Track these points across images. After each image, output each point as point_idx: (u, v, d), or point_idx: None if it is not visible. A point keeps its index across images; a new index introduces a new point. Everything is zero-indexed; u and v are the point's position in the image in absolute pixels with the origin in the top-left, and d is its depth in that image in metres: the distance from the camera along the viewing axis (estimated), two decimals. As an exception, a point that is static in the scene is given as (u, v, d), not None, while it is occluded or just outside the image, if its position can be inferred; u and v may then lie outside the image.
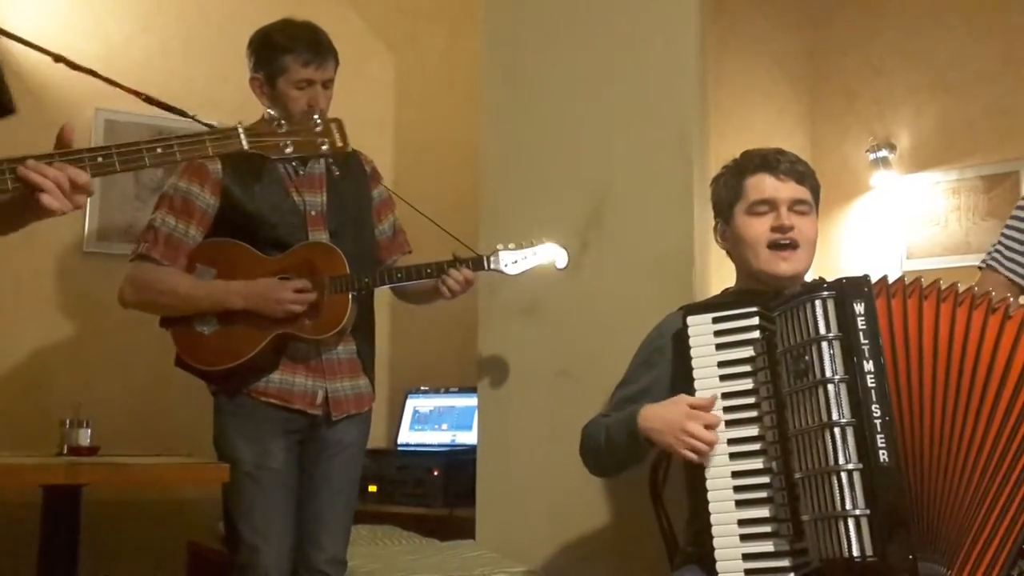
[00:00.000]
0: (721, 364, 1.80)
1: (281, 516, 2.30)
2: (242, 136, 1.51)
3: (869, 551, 1.59)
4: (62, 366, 3.24)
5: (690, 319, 1.84)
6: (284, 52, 2.30)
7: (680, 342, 1.85)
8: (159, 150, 1.45)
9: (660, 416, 1.82)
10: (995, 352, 1.66)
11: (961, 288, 1.72)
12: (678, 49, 2.66)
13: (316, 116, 1.61)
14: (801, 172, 1.94)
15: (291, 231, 2.33)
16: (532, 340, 2.80)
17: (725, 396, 1.79)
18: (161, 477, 2.60)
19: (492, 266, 2.36)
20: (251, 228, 2.31)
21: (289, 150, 1.55)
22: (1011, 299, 1.72)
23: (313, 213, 2.36)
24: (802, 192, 1.94)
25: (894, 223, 4.59)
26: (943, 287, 1.71)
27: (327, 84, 2.35)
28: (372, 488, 3.32)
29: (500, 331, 2.86)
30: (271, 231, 2.31)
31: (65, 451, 2.73)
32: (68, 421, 2.77)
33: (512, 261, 2.37)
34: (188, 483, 2.87)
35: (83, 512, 2.63)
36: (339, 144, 1.60)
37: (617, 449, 1.93)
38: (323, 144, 1.58)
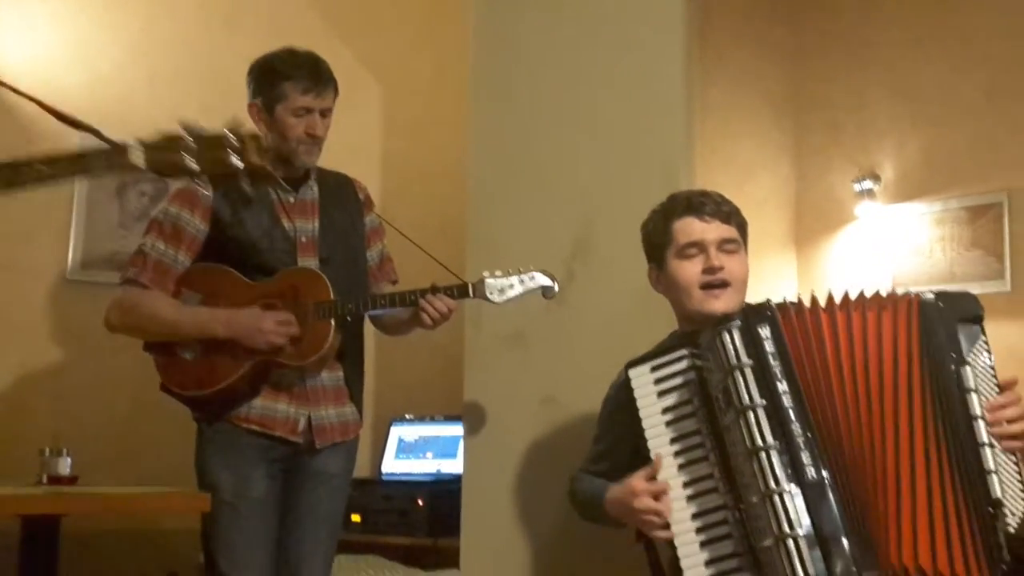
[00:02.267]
0: (665, 411, 1.86)
1: (260, 547, 2.27)
2: (138, 153, 1.41)
3: (812, 571, 1.62)
4: (42, 394, 3.20)
5: (631, 372, 1.91)
6: (284, 79, 2.30)
7: (627, 395, 1.91)
8: (40, 167, 1.33)
9: (617, 500, 1.90)
10: (880, 344, 1.72)
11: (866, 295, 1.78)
12: (664, 81, 2.67)
13: (230, 132, 1.51)
14: (726, 212, 1.99)
15: (280, 257, 2.32)
16: (518, 369, 2.79)
17: (673, 441, 1.84)
18: (142, 507, 2.58)
19: (477, 294, 2.35)
20: (240, 254, 2.31)
21: (194, 167, 1.46)
22: (897, 292, 1.79)
23: (304, 239, 2.36)
24: (729, 232, 1.99)
25: (880, 253, 4.61)
26: (831, 297, 1.77)
27: (325, 113, 2.35)
28: (356, 518, 3.29)
29: (486, 360, 2.85)
30: (259, 257, 2.31)
31: (45, 480, 2.70)
32: (47, 450, 2.74)
33: (498, 289, 2.35)
34: (169, 513, 2.84)
35: (62, 542, 2.60)
36: (254, 160, 1.47)
37: (594, 515, 2.03)
38: (235, 160, 1.47)
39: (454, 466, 3.38)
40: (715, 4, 4.19)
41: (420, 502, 3.23)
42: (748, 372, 1.71)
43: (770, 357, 1.72)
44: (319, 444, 2.33)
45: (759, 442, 1.68)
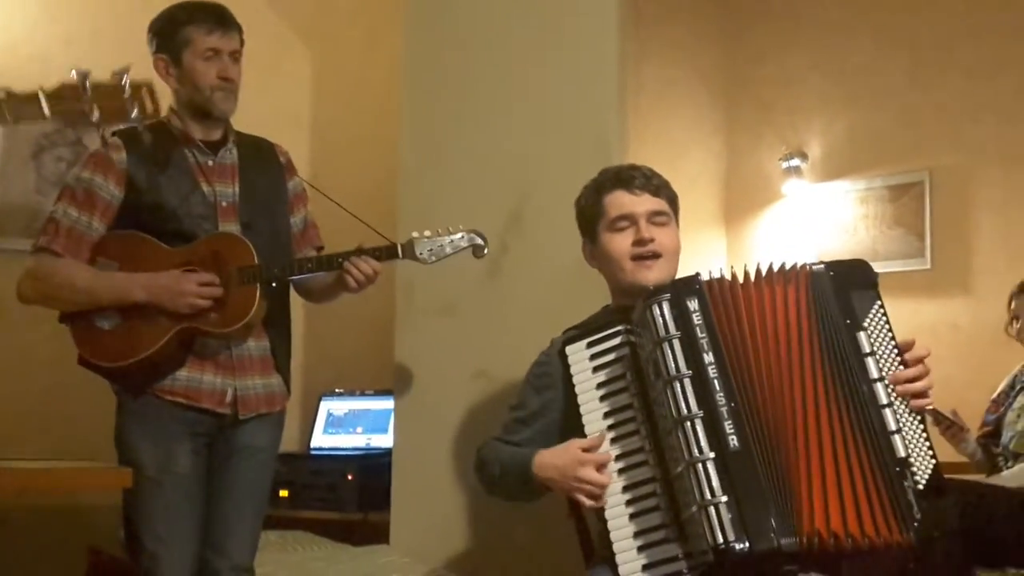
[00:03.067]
0: (599, 386, 1.88)
1: (184, 522, 2.22)
2: (43, 101, 1.42)
3: (732, 537, 1.64)
4: (-46, 366, 3.09)
5: (568, 349, 1.92)
6: (186, 24, 2.23)
7: (564, 369, 1.93)
8: None
9: (553, 465, 1.88)
10: (787, 317, 1.78)
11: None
12: (598, 54, 2.67)
13: (125, 81, 1.50)
14: (656, 185, 2.02)
15: (200, 223, 2.25)
16: (450, 342, 2.77)
17: (607, 415, 1.86)
18: (60, 482, 2.48)
19: (407, 254, 2.31)
20: (158, 220, 2.23)
21: (96, 116, 1.45)
22: (797, 266, 1.83)
23: (224, 204, 2.29)
24: (659, 204, 2.01)
25: (806, 230, 4.70)
26: (746, 271, 1.82)
27: (235, 56, 2.27)
28: (284, 493, 3.25)
29: (417, 333, 2.83)
30: (178, 223, 2.24)
31: (-43, 456, 2.60)
32: (-40, 424, 2.64)
33: (428, 249, 2.31)
34: (89, 489, 2.76)
35: (-24, 520, 2.52)
36: (149, 109, 1.50)
37: (511, 488, 2.00)
38: (133, 110, 1.49)
39: (385, 440, 3.36)
40: (650, -21, 4.19)
41: (350, 477, 3.21)
42: (676, 344, 1.74)
43: (697, 329, 1.75)
44: (243, 415, 2.27)
45: (684, 411, 1.71)
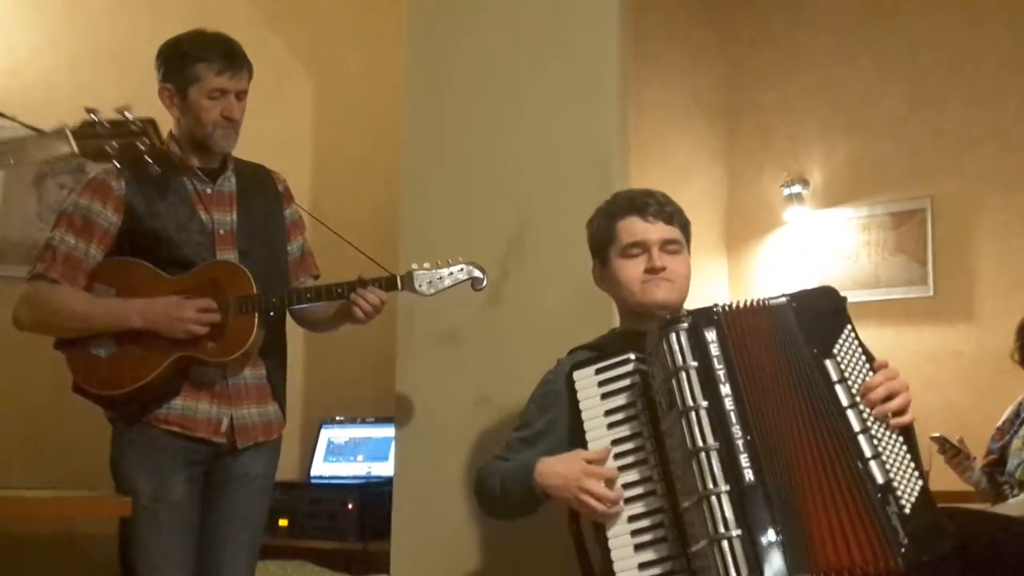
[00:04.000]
0: (607, 413, 1.86)
1: (179, 552, 2.20)
2: (70, 138, 1.48)
3: (745, 572, 1.61)
4: (-48, 393, 3.07)
5: (575, 375, 1.90)
6: (197, 61, 2.22)
7: (571, 394, 1.90)
8: None
9: (557, 472, 1.85)
10: (769, 351, 1.75)
11: None
12: (600, 80, 2.67)
13: (129, 115, 1.57)
14: (669, 213, 2.01)
15: (198, 250, 2.24)
16: (451, 369, 2.75)
17: (615, 443, 1.84)
18: (57, 511, 2.47)
19: (406, 286, 2.30)
20: (155, 247, 2.23)
21: (113, 152, 1.53)
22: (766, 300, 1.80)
23: (222, 232, 2.28)
24: (672, 232, 2.00)
25: (807, 257, 4.69)
26: (757, 301, 1.80)
27: (241, 95, 2.27)
28: (283, 522, 3.22)
29: (419, 360, 2.81)
30: (176, 250, 2.23)
31: (-47, 484, 2.58)
32: (-43, 452, 2.62)
33: (428, 281, 2.30)
34: (87, 517, 2.74)
35: (-29, 549, 2.49)
36: (157, 143, 1.60)
37: (511, 500, 1.96)
38: (142, 144, 1.56)
39: (385, 468, 3.33)
40: (651, 6, 4.21)
41: (350, 505, 3.18)
42: (693, 374, 1.71)
43: (715, 360, 1.72)
44: (240, 444, 2.26)
45: (699, 443, 1.68)
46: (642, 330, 1.93)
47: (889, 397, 1.72)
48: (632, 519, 1.78)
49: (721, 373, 1.71)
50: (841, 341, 1.76)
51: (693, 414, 1.69)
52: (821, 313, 1.79)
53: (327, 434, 3.63)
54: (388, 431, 3.14)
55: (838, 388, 1.73)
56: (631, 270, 1.98)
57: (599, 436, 1.85)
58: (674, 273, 1.98)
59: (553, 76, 2.72)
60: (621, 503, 1.79)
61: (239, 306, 2.20)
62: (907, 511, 1.65)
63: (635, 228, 1.99)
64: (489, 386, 2.69)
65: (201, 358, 2.20)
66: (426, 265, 2.31)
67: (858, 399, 1.72)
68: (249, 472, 2.29)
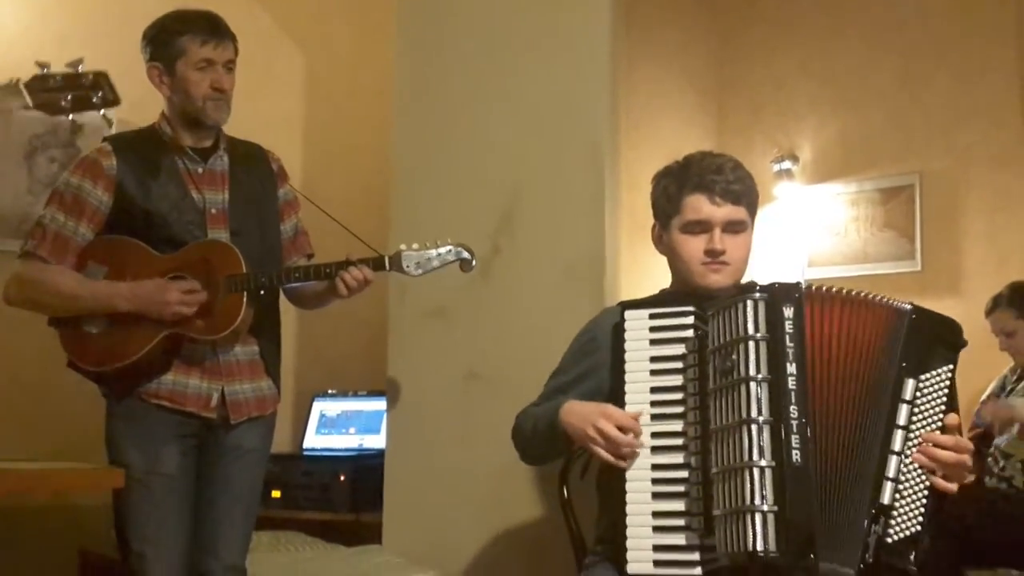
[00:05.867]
0: (653, 359, 1.83)
1: (173, 523, 2.22)
2: (24, 92, 1.48)
3: (772, 547, 1.62)
4: (-54, 367, 3.09)
5: (627, 313, 1.87)
6: (180, 34, 2.23)
7: (616, 335, 1.87)
8: None
9: (578, 412, 1.85)
10: (862, 347, 1.75)
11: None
12: (591, 57, 2.67)
13: (80, 68, 1.58)
14: (737, 192, 1.96)
15: (189, 229, 2.25)
16: (443, 343, 2.78)
17: (654, 391, 1.82)
18: (52, 483, 2.49)
19: (393, 267, 2.32)
20: (147, 226, 2.23)
21: (67, 105, 1.55)
22: (881, 297, 1.81)
23: (214, 211, 2.29)
24: (737, 213, 1.97)
25: (796, 233, 4.72)
26: (851, 293, 1.79)
27: (229, 66, 2.27)
28: (276, 494, 3.25)
29: (410, 334, 2.83)
30: (168, 229, 2.24)
31: (-52, 456, 2.60)
32: (-49, 425, 2.64)
33: (415, 262, 2.31)
34: (80, 489, 2.76)
35: (-33, 520, 2.51)
36: (111, 97, 1.59)
37: (540, 439, 1.96)
38: (95, 97, 1.56)
39: (377, 441, 3.36)
40: (641, -18, 4.21)
41: (342, 477, 3.20)
42: (763, 345, 1.70)
43: (787, 337, 1.71)
44: (234, 419, 2.28)
45: (754, 414, 1.67)
46: (699, 291, 1.93)
47: (951, 449, 1.72)
48: (656, 468, 1.78)
49: (791, 351, 1.69)
50: (934, 373, 1.76)
51: (754, 385, 1.68)
52: (934, 338, 1.78)
53: (319, 407, 3.65)
54: (380, 404, 3.17)
55: (902, 407, 1.73)
56: (691, 248, 1.95)
57: (639, 380, 1.82)
58: (733, 256, 1.95)
59: (544, 53, 2.73)
60: (647, 453, 1.78)
61: (229, 285, 2.21)
62: (888, 541, 1.68)
63: (701, 207, 1.94)
64: (479, 361, 2.72)
65: (191, 336, 2.22)
66: (415, 246, 2.32)
67: (913, 426, 1.73)
68: (243, 445, 2.30)
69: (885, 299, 1.80)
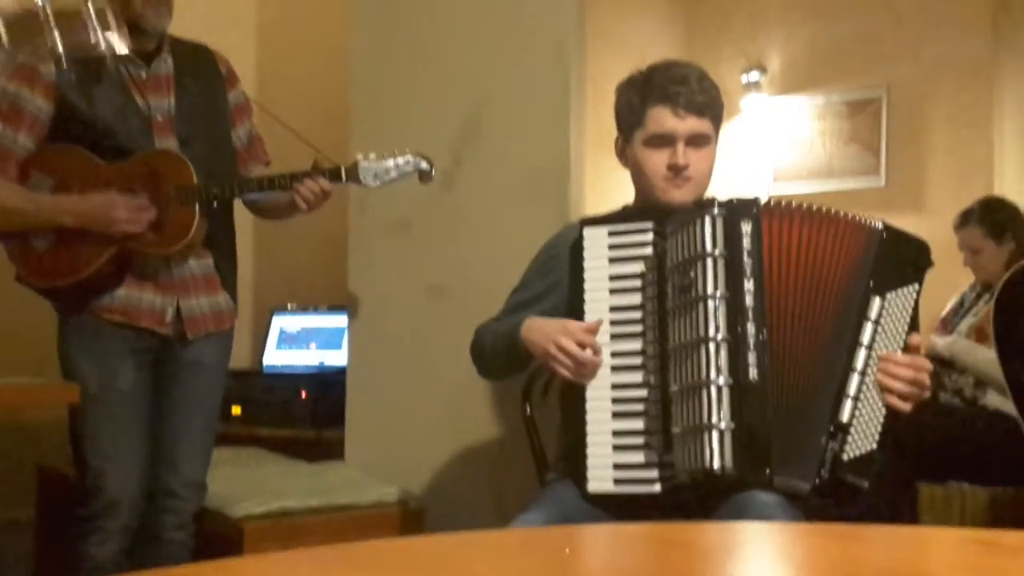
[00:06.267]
0: (612, 278, 1.81)
1: (129, 439, 2.19)
2: (2, 32, 1.38)
3: (729, 464, 1.64)
4: None
5: (586, 231, 1.84)
6: None
7: (575, 253, 1.85)
8: None
9: (539, 329, 1.83)
10: (828, 263, 1.74)
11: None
12: (557, -40, 2.57)
13: (90, 4, 1.47)
14: (701, 104, 1.91)
15: (135, 138, 2.16)
16: (404, 257, 2.73)
17: (613, 309, 1.80)
18: (5, 399, 2.43)
19: (350, 178, 2.24)
20: (91, 135, 2.14)
21: (59, 49, 1.42)
22: (848, 214, 1.78)
23: (160, 118, 2.19)
24: (701, 125, 1.92)
25: (762, 146, 4.68)
26: (813, 208, 1.76)
27: None
28: (236, 410, 3.22)
29: (371, 248, 2.77)
30: (113, 138, 2.14)
31: None
32: None
33: (373, 173, 2.24)
34: (35, 405, 2.71)
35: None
36: (118, 39, 1.52)
37: (500, 354, 1.95)
38: (95, 38, 1.46)
39: (338, 357, 3.33)
40: None
41: (304, 394, 3.18)
42: (720, 263, 1.69)
43: (745, 254, 1.69)
44: (191, 335, 2.23)
45: (712, 332, 1.67)
46: (661, 206, 1.89)
47: (907, 367, 1.71)
48: (616, 387, 1.77)
49: (748, 268, 1.68)
50: (900, 292, 1.75)
51: (712, 302, 1.67)
52: (903, 258, 1.76)
53: (279, 323, 3.60)
54: (341, 320, 3.13)
55: (867, 325, 1.72)
56: (654, 162, 1.91)
57: (598, 299, 1.80)
58: (696, 170, 1.91)
59: (508, -46, 2.62)
60: (606, 372, 1.77)
61: (179, 197, 2.13)
62: (843, 458, 1.69)
63: (664, 119, 1.89)
64: (442, 274, 2.68)
65: (141, 249, 2.15)
66: (372, 156, 2.24)
67: (875, 346, 1.72)
68: (201, 360, 2.26)
69: (854, 216, 1.78)
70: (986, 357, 2.85)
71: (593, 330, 1.78)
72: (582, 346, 1.76)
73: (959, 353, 3.09)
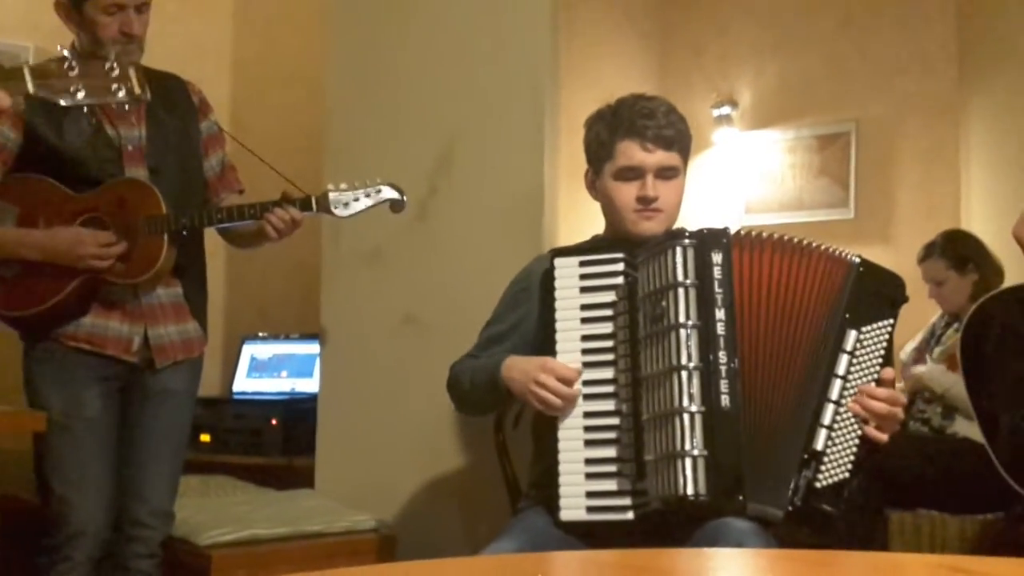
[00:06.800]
0: (584, 307, 1.83)
1: (96, 467, 2.16)
2: (27, 77, 1.38)
3: (703, 491, 1.65)
4: None
5: (557, 261, 1.85)
6: None
7: (546, 283, 1.86)
8: None
9: (521, 368, 1.84)
10: (802, 294, 1.76)
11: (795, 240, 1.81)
12: (531, -3, 2.61)
13: (112, 61, 1.50)
14: (670, 138, 1.94)
15: (105, 167, 2.15)
16: (378, 286, 2.73)
17: (585, 338, 1.82)
18: (-32, 428, 2.40)
19: (320, 208, 2.24)
20: (60, 165, 2.13)
21: (80, 95, 1.45)
22: (835, 251, 1.80)
23: (130, 148, 2.19)
24: (670, 159, 1.95)
25: (734, 179, 4.73)
26: (784, 238, 1.79)
27: (141, 8, 2.14)
28: (205, 438, 3.19)
29: (344, 277, 2.77)
30: (82, 168, 2.13)
31: None
32: None
33: (343, 203, 2.24)
34: (0, 432, 2.67)
35: None
36: (136, 91, 1.52)
37: (479, 393, 1.95)
38: (119, 91, 1.47)
39: (309, 385, 3.31)
40: (584, -80, 4.12)
41: (274, 421, 3.16)
42: (691, 292, 1.71)
43: (716, 283, 1.71)
44: (160, 363, 2.22)
45: (684, 360, 1.68)
46: (631, 238, 1.91)
47: (885, 401, 1.73)
48: (588, 415, 1.78)
49: (719, 297, 1.70)
50: (876, 326, 1.77)
51: (683, 332, 1.69)
52: (878, 292, 1.79)
53: (249, 350, 3.58)
54: (312, 348, 3.12)
55: (842, 356, 1.75)
56: (624, 195, 1.94)
57: (569, 329, 1.82)
58: (666, 202, 1.94)
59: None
60: (579, 401, 1.78)
61: (148, 227, 2.13)
62: (816, 486, 1.70)
63: (632, 153, 1.92)
64: (415, 304, 2.68)
65: (109, 279, 2.14)
66: (343, 186, 2.25)
67: (851, 377, 1.74)
68: (169, 388, 2.25)
69: (827, 248, 1.81)
70: (959, 383, 2.89)
71: (576, 372, 1.79)
72: (564, 382, 1.77)
73: (933, 381, 3.13)
